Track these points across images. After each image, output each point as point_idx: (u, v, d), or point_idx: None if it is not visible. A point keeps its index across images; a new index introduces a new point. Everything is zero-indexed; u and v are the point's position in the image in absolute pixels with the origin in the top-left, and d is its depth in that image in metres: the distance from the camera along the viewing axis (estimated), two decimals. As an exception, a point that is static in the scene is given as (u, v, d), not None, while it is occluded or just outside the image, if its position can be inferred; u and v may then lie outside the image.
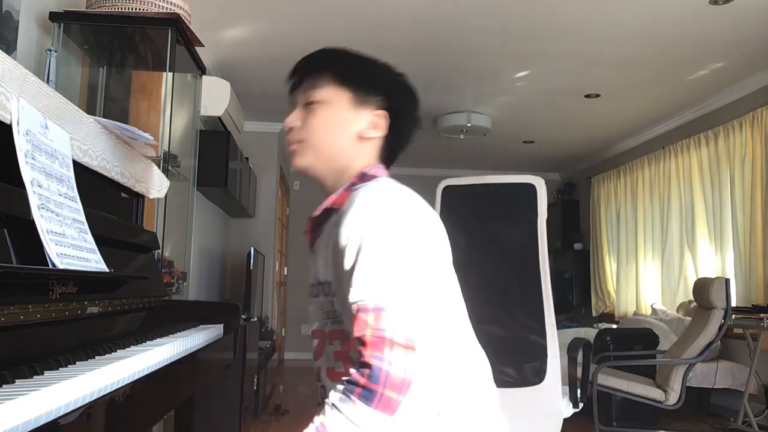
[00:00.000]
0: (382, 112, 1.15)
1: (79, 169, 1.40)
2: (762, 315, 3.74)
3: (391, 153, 1.20)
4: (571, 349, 2.79)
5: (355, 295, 0.97)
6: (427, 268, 1.04)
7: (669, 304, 5.69)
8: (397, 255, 0.99)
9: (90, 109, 2.60)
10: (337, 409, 0.92)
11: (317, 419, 0.93)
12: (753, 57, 4.36)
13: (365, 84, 1.16)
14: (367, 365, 0.92)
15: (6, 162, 1.11)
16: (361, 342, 0.94)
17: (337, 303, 1.06)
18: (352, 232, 1.00)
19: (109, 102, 2.75)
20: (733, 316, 3.65)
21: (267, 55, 4.51)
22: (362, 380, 0.92)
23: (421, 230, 1.05)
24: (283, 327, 7.30)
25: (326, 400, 0.95)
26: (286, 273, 7.43)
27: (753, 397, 4.14)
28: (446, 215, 2.56)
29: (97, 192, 1.61)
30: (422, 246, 1.04)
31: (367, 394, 0.91)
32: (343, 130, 1.15)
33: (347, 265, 1.00)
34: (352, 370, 0.94)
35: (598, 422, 3.46)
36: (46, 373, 0.89)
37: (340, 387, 0.94)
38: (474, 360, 1.16)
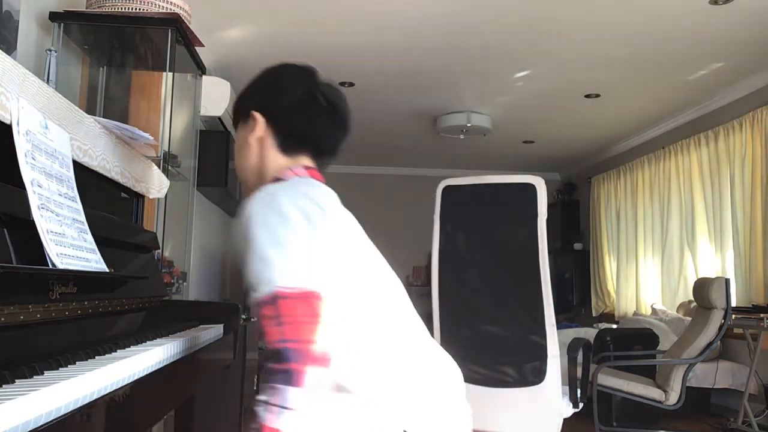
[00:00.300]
0: (252, 114, 1.23)
1: (79, 169, 1.40)
2: (762, 315, 3.74)
3: (303, 142, 1.23)
4: (571, 349, 2.79)
5: (254, 294, 1.01)
6: (316, 252, 1.05)
7: (669, 304, 5.69)
8: (279, 243, 1.02)
9: (90, 109, 2.60)
10: (268, 403, 0.95)
11: (254, 425, 0.95)
12: (753, 57, 4.36)
13: (242, 102, 1.27)
14: (278, 351, 0.96)
15: (6, 162, 1.11)
16: (267, 332, 0.98)
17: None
18: (238, 237, 1.06)
19: (109, 102, 2.75)
20: (733, 316, 3.65)
21: (267, 55, 4.48)
22: (279, 366, 0.96)
23: (301, 217, 1.06)
24: (283, 327, 7.30)
25: (257, 398, 0.97)
26: (286, 273, 7.42)
27: (753, 397, 4.14)
28: (446, 215, 2.57)
29: (97, 192, 1.61)
30: (305, 231, 1.05)
31: (287, 378, 0.95)
32: (240, 148, 1.27)
33: (244, 266, 1.04)
34: (269, 364, 0.97)
35: (598, 422, 3.46)
36: (46, 373, 0.89)
37: (265, 384, 0.97)
38: (411, 348, 1.18)
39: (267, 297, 0.99)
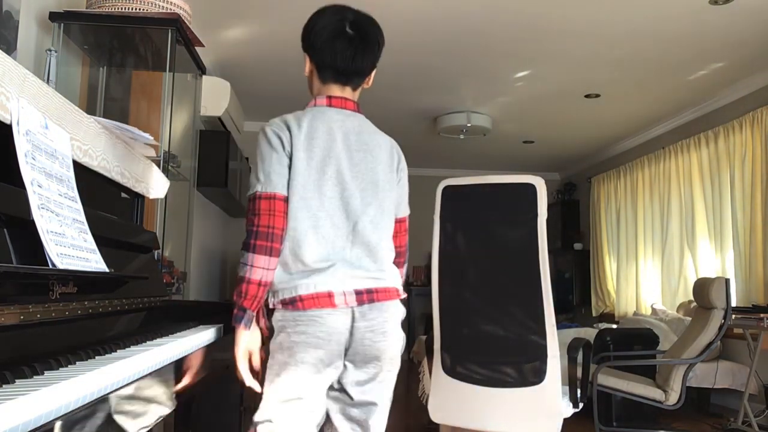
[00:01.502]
0: (304, 54, 1.57)
1: (79, 169, 1.40)
2: (762, 315, 3.74)
3: (332, 73, 1.54)
4: (571, 349, 2.79)
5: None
6: (281, 167, 1.46)
7: (669, 304, 5.69)
8: (263, 159, 1.47)
9: (90, 109, 2.60)
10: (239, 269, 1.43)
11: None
12: (753, 57, 4.36)
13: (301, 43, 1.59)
14: (248, 231, 1.43)
15: (6, 162, 1.11)
16: (246, 220, 1.46)
17: None
18: None
19: (109, 102, 2.76)
20: (733, 316, 3.65)
21: (267, 55, 4.51)
22: (248, 240, 1.41)
23: (278, 142, 1.47)
24: (283, 327, 7.29)
25: None
26: (286, 273, 7.41)
27: (753, 397, 4.14)
28: (446, 215, 2.56)
29: (97, 192, 1.61)
30: (278, 152, 1.46)
31: (247, 245, 1.41)
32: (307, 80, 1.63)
33: None
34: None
35: (598, 422, 3.46)
36: (46, 373, 0.89)
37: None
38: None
39: (250, 196, 1.45)
